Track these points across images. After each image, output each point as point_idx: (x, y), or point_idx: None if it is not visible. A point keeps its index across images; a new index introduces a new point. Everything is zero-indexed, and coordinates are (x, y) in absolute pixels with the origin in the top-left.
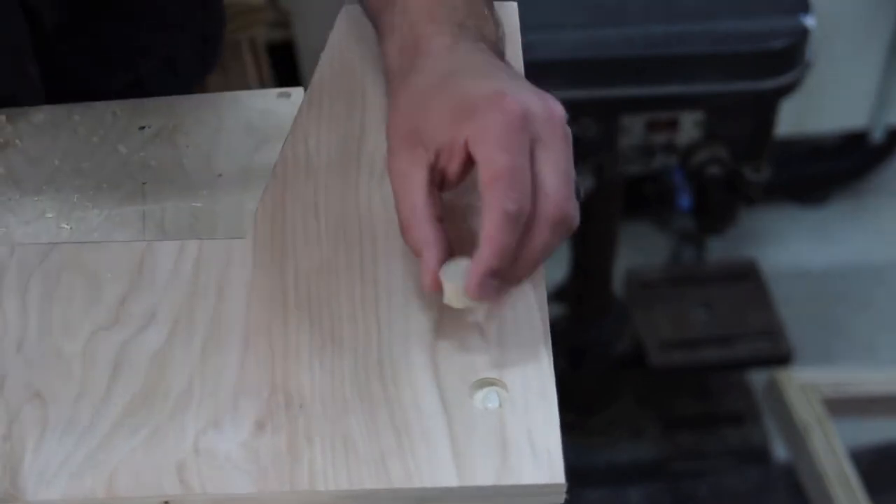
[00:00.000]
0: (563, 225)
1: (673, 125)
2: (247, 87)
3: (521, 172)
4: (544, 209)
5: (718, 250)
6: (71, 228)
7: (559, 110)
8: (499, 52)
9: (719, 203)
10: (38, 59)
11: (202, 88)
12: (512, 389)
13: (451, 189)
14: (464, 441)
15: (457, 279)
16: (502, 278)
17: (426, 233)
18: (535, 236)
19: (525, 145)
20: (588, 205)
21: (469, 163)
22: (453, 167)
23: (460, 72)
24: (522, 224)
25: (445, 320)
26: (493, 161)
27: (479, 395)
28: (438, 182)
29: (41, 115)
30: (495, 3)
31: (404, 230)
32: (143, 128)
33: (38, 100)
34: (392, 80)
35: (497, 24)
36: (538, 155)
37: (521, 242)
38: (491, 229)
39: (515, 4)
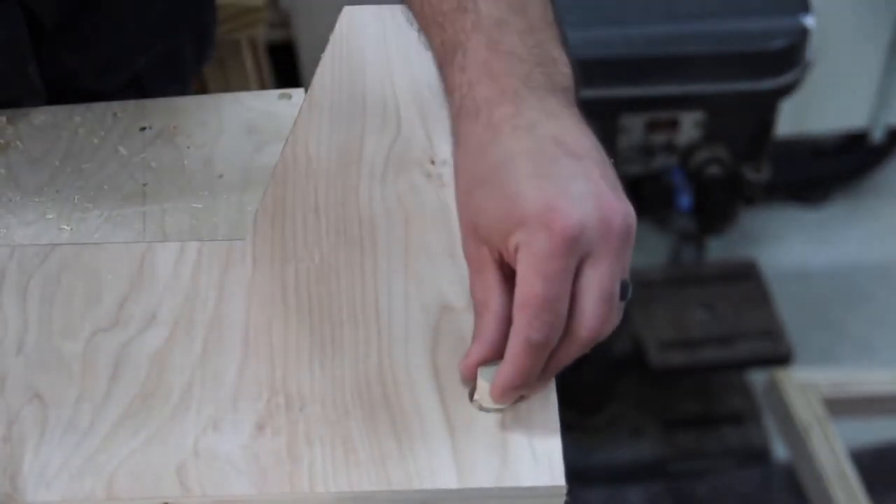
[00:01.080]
0: (593, 342)
1: (673, 125)
2: (247, 87)
3: (555, 303)
4: (576, 330)
5: (718, 250)
6: (71, 229)
7: (618, 222)
8: (567, 101)
9: (719, 203)
10: (38, 59)
11: (200, 84)
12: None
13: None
14: (464, 443)
15: (490, 380)
16: (528, 386)
17: (489, 329)
18: (563, 351)
19: (568, 271)
20: None
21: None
22: (512, 260)
23: (517, 158)
24: (549, 349)
25: (445, 322)
26: (528, 285)
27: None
28: (510, 273)
29: (42, 116)
30: None
31: (476, 314)
32: (143, 129)
33: (37, 99)
34: (454, 145)
35: (568, 65)
36: (585, 272)
37: (553, 357)
38: (514, 352)
39: None
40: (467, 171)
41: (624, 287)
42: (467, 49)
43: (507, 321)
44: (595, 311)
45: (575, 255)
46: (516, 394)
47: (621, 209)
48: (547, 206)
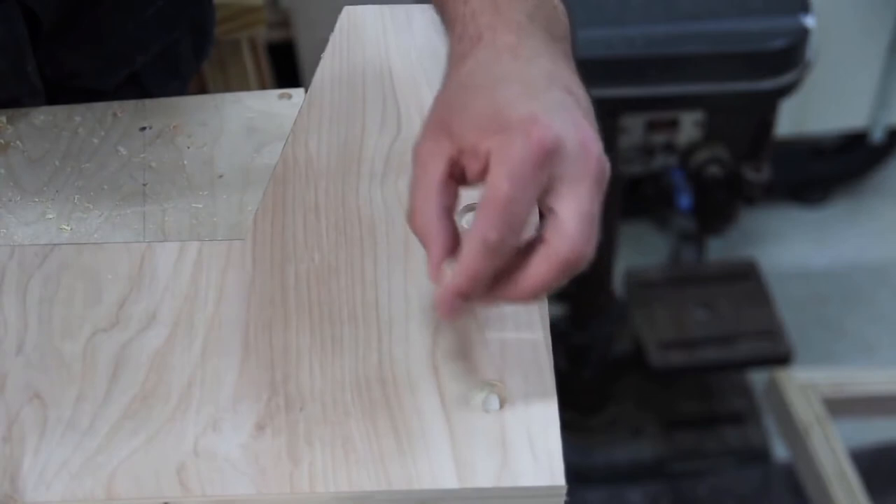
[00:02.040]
0: (573, 267)
1: (673, 125)
2: (247, 87)
3: (518, 206)
4: (558, 246)
5: (718, 250)
6: (71, 229)
7: (595, 148)
8: (565, 51)
9: (719, 203)
10: (37, 58)
11: (200, 84)
12: (512, 391)
13: (469, 186)
14: (464, 443)
15: None
16: (487, 299)
17: (431, 223)
18: (539, 267)
19: (536, 181)
20: None
21: (486, 173)
22: (473, 169)
23: (512, 80)
24: (501, 255)
25: (445, 322)
26: (495, 185)
27: (479, 397)
28: (458, 176)
29: (42, 116)
30: None
31: (411, 217)
32: (143, 129)
33: (37, 98)
34: (448, 67)
35: (566, 15)
36: (562, 191)
37: (525, 270)
38: (467, 252)
39: None
40: (458, 79)
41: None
42: (475, 8)
43: (447, 214)
44: (576, 226)
45: (546, 168)
46: (463, 302)
47: (601, 150)
48: (531, 116)
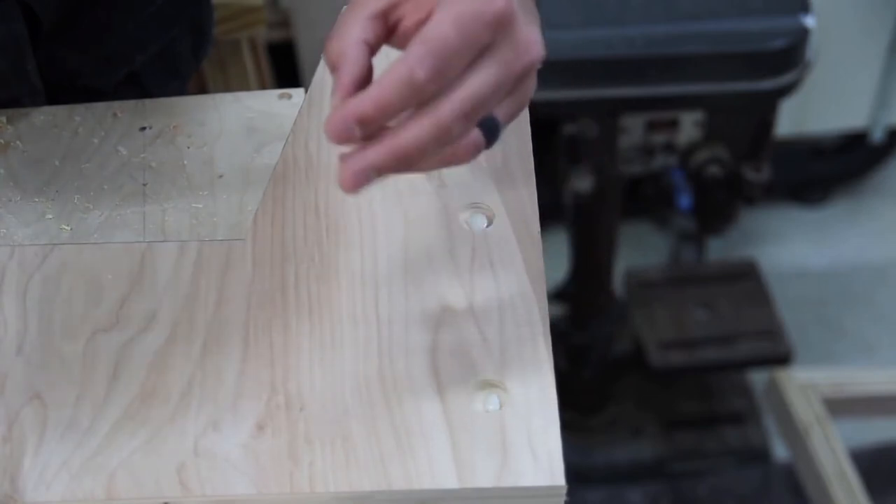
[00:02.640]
0: (442, 135)
1: (673, 125)
2: (247, 87)
3: (455, 55)
4: (456, 92)
5: (718, 250)
6: (71, 230)
7: (536, 56)
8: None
9: (719, 203)
10: (36, 57)
11: (200, 84)
12: (512, 391)
13: (396, 42)
14: (464, 443)
15: None
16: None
17: (348, 49)
18: (435, 114)
19: (479, 43)
20: (588, 205)
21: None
22: (411, 19)
23: None
24: (416, 99)
25: (445, 322)
26: (439, 27)
27: (479, 397)
28: (390, 26)
29: (42, 116)
30: None
31: (328, 43)
32: (143, 129)
33: (37, 97)
34: None
35: None
36: (481, 61)
37: (423, 116)
38: (386, 80)
39: None
40: None
41: (493, 122)
42: None
43: (367, 45)
44: (469, 94)
45: (490, 34)
46: (356, 130)
47: (542, 48)
48: None
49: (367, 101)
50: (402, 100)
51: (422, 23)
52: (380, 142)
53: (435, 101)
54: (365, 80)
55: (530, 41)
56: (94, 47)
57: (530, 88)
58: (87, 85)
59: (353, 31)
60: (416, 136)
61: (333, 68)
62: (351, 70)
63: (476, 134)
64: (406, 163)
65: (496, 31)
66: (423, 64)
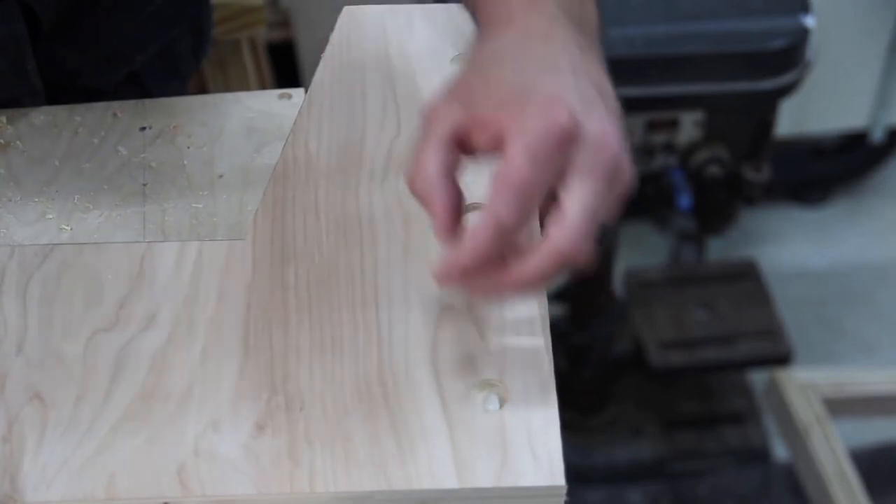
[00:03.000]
0: (568, 260)
1: (673, 125)
2: (247, 87)
3: (536, 189)
4: (556, 238)
5: (718, 250)
6: (71, 229)
7: (614, 145)
8: (597, 50)
9: (719, 203)
10: (36, 57)
11: (200, 84)
12: (512, 391)
13: (469, 157)
14: (464, 443)
15: None
16: (483, 285)
17: (433, 181)
18: (535, 260)
19: (555, 164)
20: None
21: (494, 147)
22: (478, 140)
23: (540, 62)
24: (510, 236)
25: (445, 322)
26: (514, 165)
27: (480, 397)
28: (463, 145)
29: (42, 116)
30: None
31: (411, 176)
32: (143, 129)
33: (37, 97)
34: (474, 43)
35: (597, 15)
36: (570, 182)
37: (519, 262)
38: (477, 229)
39: None
40: (483, 54)
41: (603, 231)
42: None
43: (449, 175)
44: (577, 222)
45: (564, 153)
46: (464, 279)
47: (621, 149)
48: (553, 96)
49: (465, 255)
50: (497, 244)
51: (489, 146)
52: (508, 276)
53: (550, 236)
54: (457, 208)
55: (605, 135)
56: (94, 47)
57: (626, 174)
58: (87, 85)
59: (431, 166)
60: (542, 269)
61: (422, 203)
62: (443, 206)
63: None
64: (533, 291)
65: (568, 149)
66: (508, 207)
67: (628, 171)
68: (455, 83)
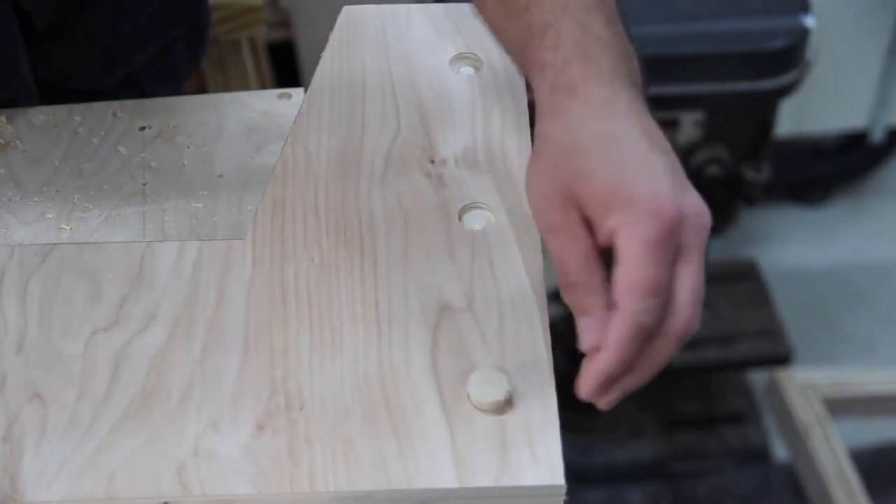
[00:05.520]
0: (687, 339)
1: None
2: (247, 87)
3: (662, 287)
4: (674, 324)
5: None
6: (71, 229)
7: (707, 216)
8: (642, 97)
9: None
10: (30, 58)
11: (200, 84)
12: (512, 390)
13: None
14: (463, 442)
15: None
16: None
17: (597, 296)
18: (659, 348)
19: (671, 257)
20: None
21: (604, 242)
22: (596, 240)
23: (621, 140)
24: (648, 339)
25: (445, 322)
26: (639, 268)
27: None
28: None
29: (42, 115)
30: None
31: (572, 289)
32: (143, 128)
33: (31, 99)
34: (542, 119)
35: (636, 59)
36: (679, 266)
37: (644, 351)
38: (618, 337)
39: None
40: (563, 140)
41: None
42: (560, 30)
43: (606, 290)
44: (691, 304)
45: (675, 241)
46: (611, 387)
47: (705, 208)
48: (655, 191)
49: (610, 363)
50: (638, 346)
51: (602, 240)
52: (637, 369)
53: (675, 327)
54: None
55: (700, 215)
56: (89, 48)
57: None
58: (83, 87)
59: (594, 279)
60: (666, 355)
61: (578, 310)
62: (601, 318)
63: None
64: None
65: (676, 238)
66: (646, 310)
67: (708, 234)
68: (554, 179)
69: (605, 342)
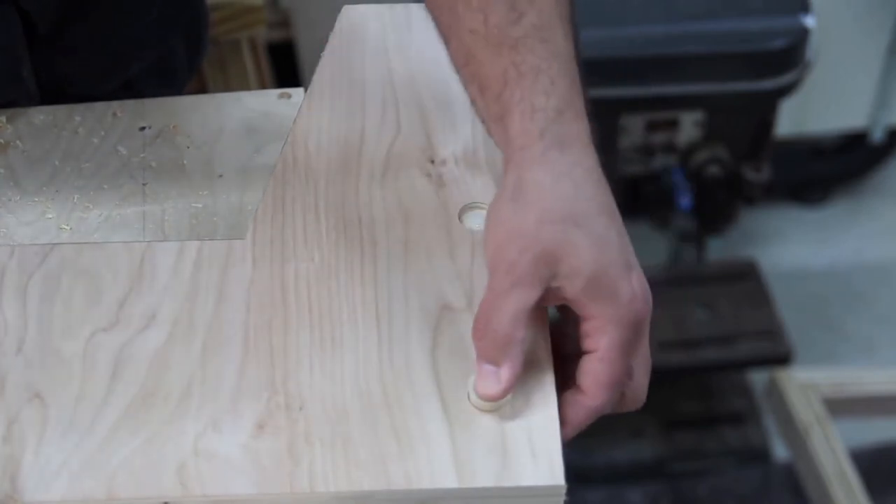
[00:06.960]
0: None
1: (673, 125)
2: (247, 87)
3: (626, 376)
4: (626, 404)
5: (718, 250)
6: (71, 229)
7: (650, 296)
8: (592, 133)
9: (719, 203)
10: (32, 63)
11: (200, 84)
12: (512, 391)
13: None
14: (463, 442)
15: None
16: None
17: (512, 349)
18: (602, 411)
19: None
20: None
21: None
22: (553, 300)
23: (601, 220)
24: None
25: (445, 322)
26: (613, 366)
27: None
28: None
29: (42, 115)
30: None
31: (487, 332)
32: (143, 128)
33: (32, 102)
34: (529, 164)
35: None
36: (636, 348)
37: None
38: (582, 419)
39: None
40: (550, 197)
41: None
42: (553, 78)
43: (523, 349)
44: (641, 383)
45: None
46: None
47: (648, 287)
48: (633, 294)
49: (567, 437)
50: (590, 421)
51: (565, 309)
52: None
53: (622, 405)
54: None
55: (649, 301)
56: (91, 54)
57: None
58: (82, 92)
59: (517, 331)
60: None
61: (490, 358)
62: (513, 375)
63: None
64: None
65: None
66: (608, 401)
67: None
68: (535, 245)
69: (565, 417)
